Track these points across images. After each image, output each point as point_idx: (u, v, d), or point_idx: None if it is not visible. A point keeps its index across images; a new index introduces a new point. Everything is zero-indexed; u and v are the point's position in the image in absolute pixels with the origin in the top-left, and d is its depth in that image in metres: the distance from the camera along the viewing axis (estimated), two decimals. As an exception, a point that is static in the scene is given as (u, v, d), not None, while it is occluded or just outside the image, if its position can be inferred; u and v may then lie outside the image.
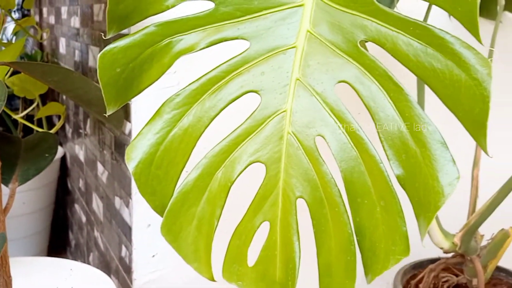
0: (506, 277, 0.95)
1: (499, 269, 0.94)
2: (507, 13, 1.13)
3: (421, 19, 0.63)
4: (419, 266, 0.97)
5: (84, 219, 1.28)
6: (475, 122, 0.44)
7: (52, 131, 1.31)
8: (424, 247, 0.55)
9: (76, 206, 1.40)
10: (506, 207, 1.09)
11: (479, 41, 0.44)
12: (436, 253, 0.91)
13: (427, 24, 0.47)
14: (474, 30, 0.44)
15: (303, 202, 0.52)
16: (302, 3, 0.55)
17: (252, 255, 0.53)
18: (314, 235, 0.52)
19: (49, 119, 1.74)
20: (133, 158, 0.55)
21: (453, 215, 1.02)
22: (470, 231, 0.83)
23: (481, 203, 0.88)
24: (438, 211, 0.46)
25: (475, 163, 0.89)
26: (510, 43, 1.14)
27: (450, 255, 0.90)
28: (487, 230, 0.88)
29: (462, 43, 0.45)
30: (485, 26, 1.11)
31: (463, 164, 0.90)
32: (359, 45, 0.51)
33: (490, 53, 0.92)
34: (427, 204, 0.47)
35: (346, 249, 0.51)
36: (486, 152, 0.44)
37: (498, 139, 1.11)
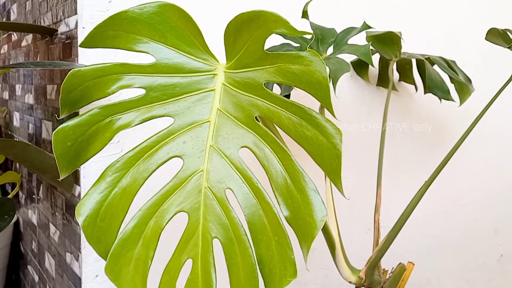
0: (411, 306, 1.10)
1: (403, 299, 1.10)
2: (403, 82, 1.36)
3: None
4: (340, 302, 1.11)
5: (37, 278, 1.36)
6: (334, 172, 0.61)
7: (10, 196, 1.40)
8: (308, 270, 0.69)
9: (29, 267, 1.48)
10: (409, 244, 1.25)
11: (333, 115, 0.61)
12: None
13: (300, 104, 0.65)
14: (329, 108, 0.61)
15: (218, 241, 0.67)
16: (214, 88, 0.72)
17: (180, 287, 0.67)
18: (227, 267, 0.66)
19: (2, 187, 1.83)
20: (82, 213, 0.68)
21: (365, 255, 1.18)
22: (372, 266, 0.99)
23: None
24: (313, 240, 0.61)
25: (376, 209, 1.07)
26: (405, 106, 1.36)
27: (361, 289, 1.06)
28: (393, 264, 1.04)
29: (323, 117, 0.63)
30: (383, 93, 1.32)
31: (371, 211, 1.07)
32: (255, 119, 0.68)
33: (385, 115, 1.12)
34: (306, 236, 0.62)
35: (251, 276, 0.65)
36: (342, 194, 0.61)
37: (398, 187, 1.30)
